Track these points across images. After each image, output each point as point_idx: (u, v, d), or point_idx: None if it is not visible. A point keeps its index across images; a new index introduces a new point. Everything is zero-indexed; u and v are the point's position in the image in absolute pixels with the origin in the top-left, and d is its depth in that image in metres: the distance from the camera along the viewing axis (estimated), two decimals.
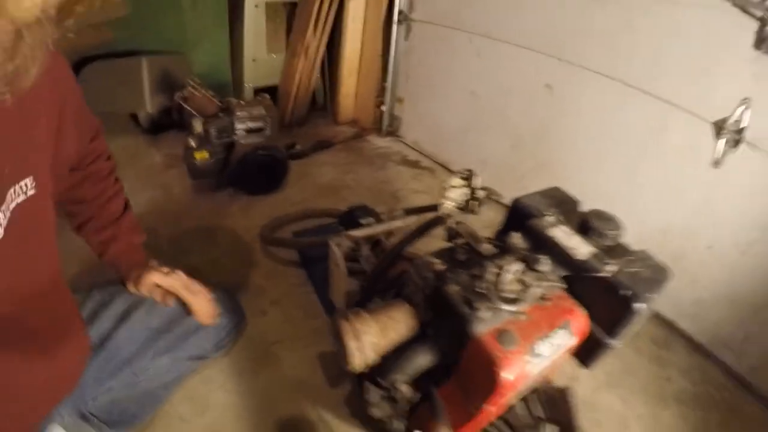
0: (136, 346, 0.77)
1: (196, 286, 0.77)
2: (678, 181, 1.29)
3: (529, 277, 0.68)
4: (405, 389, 0.67)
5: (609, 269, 0.69)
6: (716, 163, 1.19)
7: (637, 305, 0.67)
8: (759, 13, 1.03)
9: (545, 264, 0.70)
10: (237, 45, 1.90)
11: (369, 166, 1.93)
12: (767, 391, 1.24)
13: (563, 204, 0.83)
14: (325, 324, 1.20)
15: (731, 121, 1.13)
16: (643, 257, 0.75)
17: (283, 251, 1.38)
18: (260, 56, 1.96)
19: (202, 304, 0.78)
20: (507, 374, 0.59)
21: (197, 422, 0.95)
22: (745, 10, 1.05)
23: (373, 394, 0.69)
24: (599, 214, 0.78)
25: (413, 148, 2.10)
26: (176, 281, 0.74)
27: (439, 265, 0.67)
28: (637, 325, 0.69)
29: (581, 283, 0.71)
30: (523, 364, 0.60)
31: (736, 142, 1.14)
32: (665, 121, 1.26)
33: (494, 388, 0.59)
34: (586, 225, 0.76)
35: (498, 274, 0.63)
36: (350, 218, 1.27)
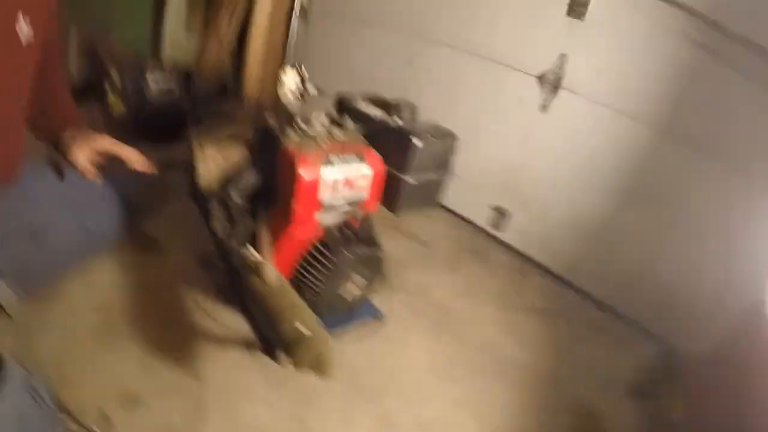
0: (49, 198, 1.03)
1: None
2: (513, 126, 1.77)
3: (335, 130, 1.05)
4: (237, 200, 1.00)
5: (395, 123, 1.08)
6: (542, 108, 1.66)
7: (415, 140, 1.05)
8: None
9: (348, 121, 1.08)
10: (158, 22, 2.29)
11: None
12: (627, 310, 1.62)
13: (377, 100, 1.23)
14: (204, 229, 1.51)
15: (551, 72, 1.62)
16: (432, 126, 1.15)
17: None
18: (177, 34, 2.35)
19: (134, 154, 1.07)
20: (304, 171, 0.94)
21: (88, 296, 1.21)
22: None
23: (215, 210, 1.02)
24: (399, 99, 1.18)
25: None
26: (113, 144, 1.06)
27: (270, 119, 1.04)
28: (417, 160, 1.06)
29: (377, 137, 1.09)
30: (318, 167, 0.96)
31: (556, 89, 1.62)
32: (501, 79, 1.76)
33: (297, 182, 0.94)
34: (387, 106, 1.16)
35: (307, 119, 1.01)
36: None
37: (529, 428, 1.17)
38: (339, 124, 1.07)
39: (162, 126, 1.92)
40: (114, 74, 1.80)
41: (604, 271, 1.66)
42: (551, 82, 1.62)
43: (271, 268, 0.92)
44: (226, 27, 2.29)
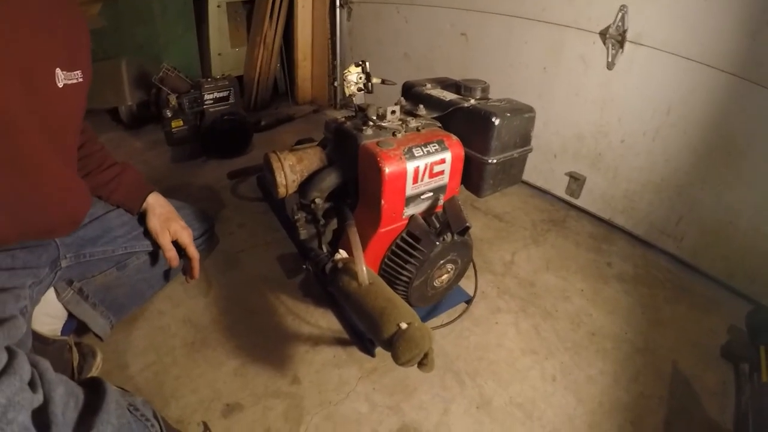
0: (124, 228, 1.09)
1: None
2: (581, 89, 1.66)
3: (408, 118, 1.02)
4: (319, 202, 1.00)
5: (469, 103, 1.03)
6: (610, 66, 1.55)
7: (495, 119, 1.00)
8: None
9: (421, 109, 1.04)
10: (204, 43, 2.35)
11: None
12: (715, 271, 1.53)
13: (445, 83, 1.19)
14: (284, 236, 1.55)
15: (613, 27, 1.50)
16: (505, 100, 1.10)
17: (249, 192, 1.77)
18: (225, 51, 2.42)
19: (194, 258, 1.09)
20: (388, 166, 0.92)
21: (174, 313, 1.27)
22: None
23: (299, 216, 1.02)
24: (469, 79, 1.13)
25: None
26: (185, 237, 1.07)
27: (341, 119, 1.03)
28: (497, 140, 1.02)
29: (453, 120, 1.05)
30: (401, 161, 0.93)
31: (621, 44, 1.50)
32: (560, 41, 1.66)
33: (381, 179, 0.92)
34: (458, 87, 1.12)
35: (381, 111, 0.98)
36: None
37: (625, 399, 1.12)
38: (412, 113, 1.04)
39: (225, 138, 1.97)
40: (171, 98, 1.85)
41: (688, 230, 1.55)
42: (615, 37, 1.50)
43: (363, 267, 0.91)
44: (271, 33, 2.30)
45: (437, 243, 1.00)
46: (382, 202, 0.95)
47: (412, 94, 1.12)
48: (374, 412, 1.03)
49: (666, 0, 1.39)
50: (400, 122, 1.01)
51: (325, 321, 1.25)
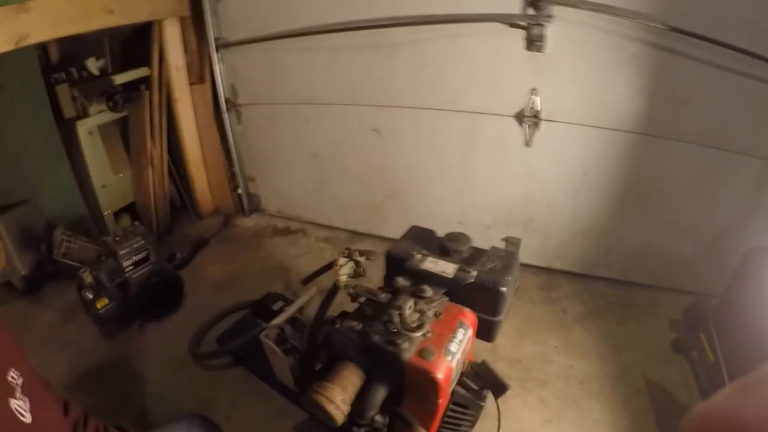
0: None
1: None
2: (502, 167, 1.82)
3: (421, 305, 1.05)
4: (379, 419, 1.01)
5: (472, 276, 1.10)
6: (528, 143, 1.72)
7: (501, 289, 1.08)
8: (522, 22, 1.53)
9: (428, 291, 1.08)
10: (82, 176, 2.02)
11: (248, 250, 2.23)
12: (643, 279, 1.84)
13: (422, 238, 1.24)
14: (283, 402, 1.47)
15: (527, 109, 1.66)
16: (493, 253, 1.18)
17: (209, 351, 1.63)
18: (108, 181, 2.10)
19: None
20: (439, 375, 0.95)
21: None
22: (513, 24, 1.56)
23: None
24: (452, 236, 1.19)
25: (279, 217, 2.46)
26: None
27: (356, 325, 1.02)
28: (505, 302, 1.11)
29: (458, 292, 1.11)
30: (446, 363, 0.97)
31: (537, 124, 1.68)
32: (475, 126, 1.78)
33: (437, 388, 0.96)
34: (444, 248, 1.17)
35: (401, 314, 1.00)
36: (263, 307, 1.59)
37: (626, 424, 1.36)
38: (420, 296, 1.07)
39: (157, 300, 1.77)
40: (86, 276, 1.59)
41: (616, 257, 1.84)
42: (530, 118, 1.66)
43: None
44: (157, 152, 2.07)
45: (482, 405, 1.09)
46: (439, 401, 1.00)
47: (407, 270, 1.14)
48: None
49: (571, 78, 1.57)
50: (418, 314, 1.04)
51: None
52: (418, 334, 0.98)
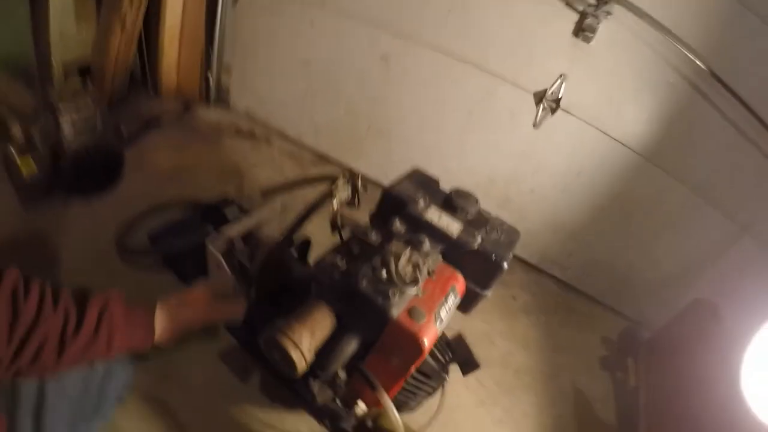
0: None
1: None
2: (503, 139, 1.67)
3: (416, 258, 0.91)
4: (341, 374, 0.87)
5: (477, 242, 0.97)
6: (536, 125, 1.60)
7: (504, 264, 0.96)
8: (580, 8, 1.40)
9: (426, 244, 0.93)
10: (39, 20, 1.59)
11: (204, 143, 1.91)
12: (592, 291, 1.82)
13: (426, 185, 1.06)
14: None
15: (549, 92, 1.52)
16: (497, 224, 1.05)
17: (140, 247, 1.38)
18: (68, 31, 1.67)
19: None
20: (426, 341, 0.82)
21: None
22: (569, 4, 1.41)
23: (316, 386, 0.87)
24: (460, 193, 1.04)
25: (245, 117, 2.13)
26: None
27: (341, 263, 0.86)
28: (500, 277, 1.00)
29: (456, 255, 0.98)
30: (433, 330, 0.84)
31: (554, 110, 1.55)
32: (493, 91, 1.60)
33: (419, 354, 0.82)
34: (450, 203, 1.02)
35: (396, 263, 0.85)
36: (213, 211, 1.36)
37: (549, 423, 1.38)
38: (417, 248, 0.93)
39: (92, 175, 1.46)
40: (15, 128, 1.27)
41: (575, 262, 1.80)
42: (549, 102, 1.53)
43: (395, 415, 0.86)
44: (132, 15, 1.69)
45: (446, 378, 0.99)
46: (412, 367, 0.88)
47: (407, 215, 0.98)
48: None
49: (603, 80, 1.47)
50: (412, 267, 0.90)
51: (306, 425, 1.12)
52: (412, 290, 0.84)
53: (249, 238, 1.16)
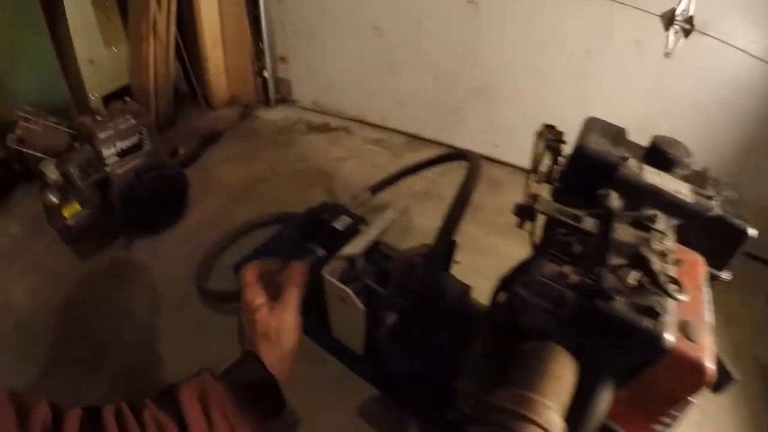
0: None
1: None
2: (632, 77, 1.31)
3: (659, 244, 0.59)
4: None
5: (714, 205, 0.64)
6: (668, 54, 1.24)
7: (751, 231, 0.64)
8: None
9: (661, 220, 0.62)
10: (65, 48, 1.37)
11: (274, 148, 1.65)
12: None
13: (617, 139, 0.74)
14: (343, 371, 0.98)
15: (679, 10, 1.16)
16: (716, 177, 0.73)
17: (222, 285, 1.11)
18: (98, 54, 1.45)
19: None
20: (711, 367, 0.51)
21: None
22: None
23: None
24: (667, 141, 0.72)
25: (315, 110, 1.85)
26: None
27: (572, 274, 0.54)
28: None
29: (690, 227, 0.66)
30: (712, 346, 0.53)
31: (687, 32, 1.19)
32: (610, 21, 1.25)
33: (699, 386, 0.52)
34: (661, 156, 0.70)
35: (663, 258, 0.53)
36: (314, 224, 1.04)
37: (744, 414, 1.05)
38: (646, 227, 0.61)
39: (151, 206, 1.21)
40: (49, 168, 1.02)
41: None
42: (681, 23, 1.19)
43: None
44: (162, 18, 1.43)
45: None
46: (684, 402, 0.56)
47: (619, 181, 0.65)
48: None
49: None
50: (663, 265, 0.58)
51: None
52: (681, 297, 0.52)
53: (372, 252, 0.88)
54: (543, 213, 0.62)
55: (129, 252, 1.21)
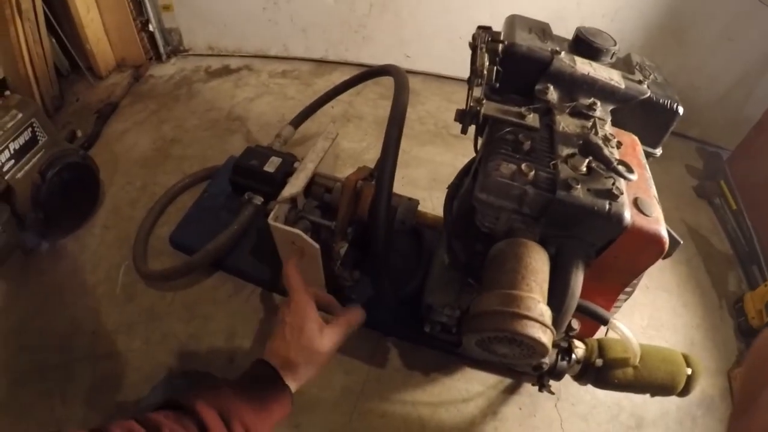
0: None
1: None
2: None
3: (600, 131, 0.59)
4: (575, 324, 0.58)
5: (647, 89, 0.64)
6: None
7: (678, 108, 0.66)
8: None
9: (599, 107, 0.62)
10: None
11: (178, 104, 1.44)
12: None
13: (542, 33, 0.71)
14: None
15: None
16: (643, 61, 0.73)
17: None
18: None
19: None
20: (666, 236, 0.53)
21: None
22: None
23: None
24: (592, 32, 0.70)
25: (212, 55, 1.63)
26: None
27: (529, 171, 0.52)
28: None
29: (621, 111, 0.66)
30: (662, 216, 0.55)
31: None
32: None
33: (659, 255, 0.54)
34: (588, 47, 0.68)
35: (608, 143, 0.52)
36: (244, 173, 0.93)
37: (682, 271, 1.16)
38: (585, 114, 0.60)
39: (65, 204, 1.02)
40: None
41: None
42: None
43: (632, 340, 0.60)
44: None
45: None
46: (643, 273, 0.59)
47: (552, 75, 0.62)
48: None
49: None
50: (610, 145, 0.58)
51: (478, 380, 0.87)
52: (632, 176, 0.52)
53: (312, 187, 0.82)
54: (488, 115, 0.59)
55: (56, 258, 1.04)
